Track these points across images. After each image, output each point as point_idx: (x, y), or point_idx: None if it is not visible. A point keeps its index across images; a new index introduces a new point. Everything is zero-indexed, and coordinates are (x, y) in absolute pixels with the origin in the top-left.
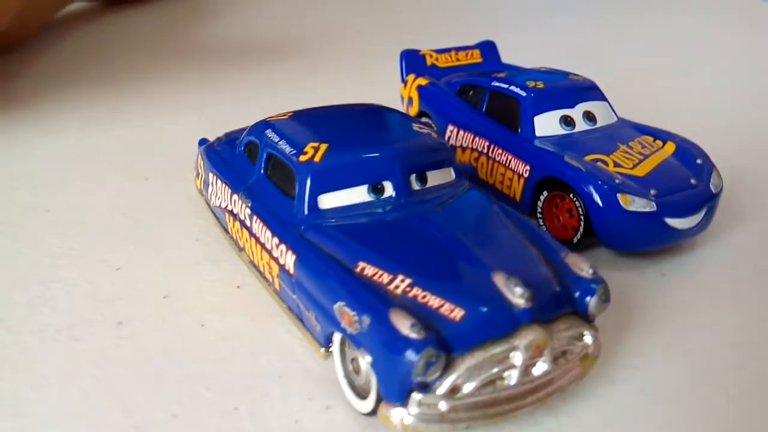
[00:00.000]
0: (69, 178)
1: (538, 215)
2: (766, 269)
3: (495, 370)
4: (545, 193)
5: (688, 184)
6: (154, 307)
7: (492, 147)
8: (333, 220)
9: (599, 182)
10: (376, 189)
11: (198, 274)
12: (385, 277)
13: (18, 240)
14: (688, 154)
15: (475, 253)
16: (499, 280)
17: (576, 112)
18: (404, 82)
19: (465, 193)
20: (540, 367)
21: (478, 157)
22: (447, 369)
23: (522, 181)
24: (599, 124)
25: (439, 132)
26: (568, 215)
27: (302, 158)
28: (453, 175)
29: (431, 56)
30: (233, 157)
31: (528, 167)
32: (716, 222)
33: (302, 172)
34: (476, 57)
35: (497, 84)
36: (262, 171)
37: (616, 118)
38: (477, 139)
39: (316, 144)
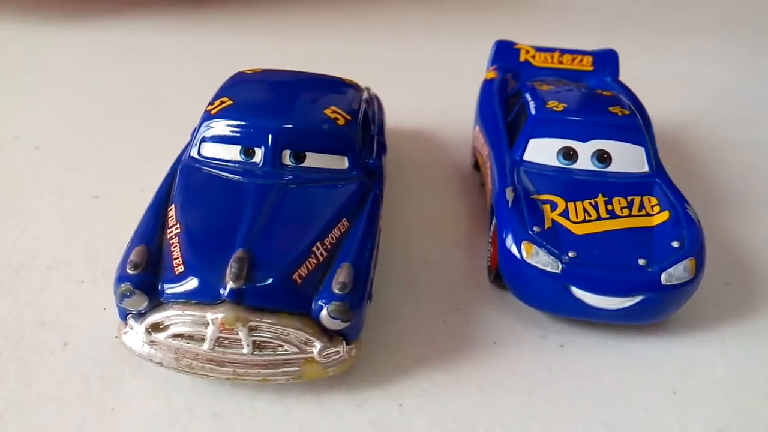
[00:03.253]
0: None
1: (489, 239)
2: (680, 395)
3: (190, 329)
4: (494, 219)
5: (631, 263)
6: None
7: (489, 157)
8: (204, 167)
9: (513, 222)
10: (248, 152)
11: None
12: (172, 222)
13: (86, 97)
14: (671, 232)
15: (258, 230)
16: (235, 256)
17: (585, 148)
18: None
19: (342, 184)
20: (242, 347)
21: (484, 163)
22: (155, 309)
23: (489, 199)
24: (613, 168)
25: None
26: None
27: (208, 107)
28: (345, 164)
29: (527, 52)
30: None
31: (491, 188)
32: (683, 320)
33: (201, 119)
34: (586, 64)
35: (526, 95)
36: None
37: (647, 169)
38: (485, 145)
39: (225, 99)
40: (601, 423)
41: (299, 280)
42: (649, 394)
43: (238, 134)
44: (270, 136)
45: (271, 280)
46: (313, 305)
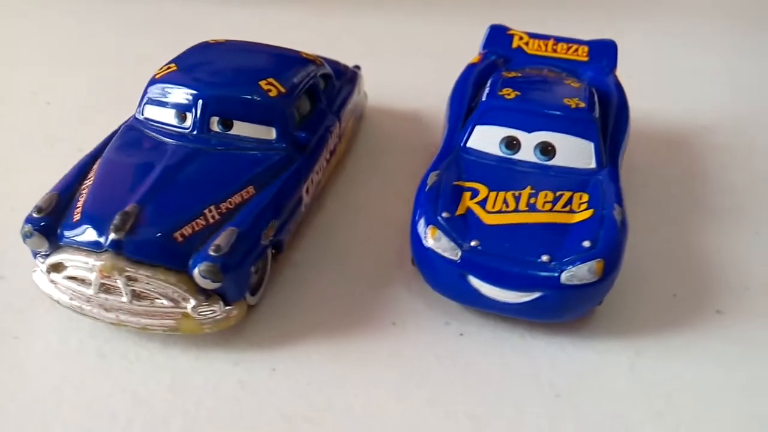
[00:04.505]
0: None
1: None
2: (563, 400)
3: (80, 273)
4: None
5: (533, 258)
6: None
7: (441, 140)
8: (142, 128)
9: (426, 206)
10: (181, 116)
11: None
12: (90, 174)
13: (108, 61)
14: (586, 232)
15: (158, 188)
16: (123, 210)
17: (529, 139)
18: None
19: (262, 154)
20: (121, 295)
21: None
22: (55, 251)
23: None
24: (556, 161)
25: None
26: None
27: (156, 72)
28: (273, 135)
29: (521, 38)
30: None
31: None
32: (606, 325)
33: (148, 82)
34: (581, 55)
35: (488, 81)
36: None
37: (594, 165)
38: (444, 129)
39: (172, 65)
40: (466, 414)
41: (180, 239)
42: (530, 394)
43: (174, 99)
44: (200, 102)
45: (151, 235)
46: (190, 263)
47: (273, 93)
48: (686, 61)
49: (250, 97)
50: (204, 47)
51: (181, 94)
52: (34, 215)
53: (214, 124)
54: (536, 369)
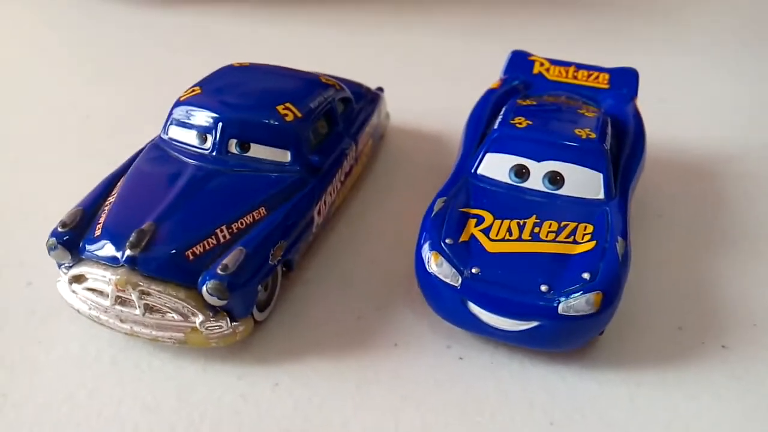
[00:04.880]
0: None
1: None
2: (557, 427)
3: (99, 285)
4: None
5: (533, 287)
6: None
7: (456, 165)
8: (166, 147)
9: (431, 232)
10: (202, 137)
11: None
12: (114, 191)
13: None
14: (587, 263)
15: (174, 207)
16: (140, 228)
17: (538, 168)
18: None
19: (276, 176)
20: (135, 308)
21: None
22: (77, 263)
23: None
24: (564, 191)
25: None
26: None
27: (181, 94)
28: (288, 158)
29: (542, 64)
30: None
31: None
32: (607, 355)
33: (173, 104)
34: (602, 82)
35: (503, 108)
36: None
37: (602, 196)
38: (459, 154)
39: (197, 88)
40: None
41: (191, 257)
42: (524, 420)
43: (196, 121)
44: (219, 125)
45: (164, 253)
46: (199, 280)
47: (289, 117)
48: (707, 86)
49: (267, 121)
50: (228, 70)
51: (202, 117)
52: (59, 229)
53: (232, 146)
54: (533, 395)
